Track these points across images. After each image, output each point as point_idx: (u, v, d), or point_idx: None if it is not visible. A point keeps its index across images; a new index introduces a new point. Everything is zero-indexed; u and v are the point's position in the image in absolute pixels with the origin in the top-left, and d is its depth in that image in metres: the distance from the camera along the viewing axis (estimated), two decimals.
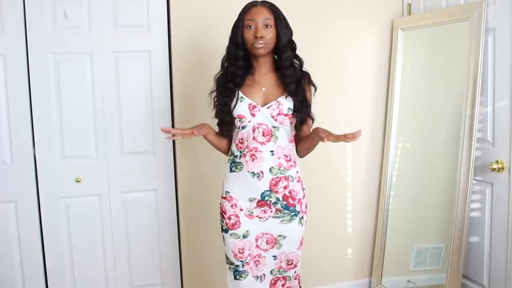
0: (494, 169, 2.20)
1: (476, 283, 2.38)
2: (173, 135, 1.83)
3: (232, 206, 1.86)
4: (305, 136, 1.89)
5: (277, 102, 1.80)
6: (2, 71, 2.20)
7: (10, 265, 2.30)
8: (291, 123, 1.84)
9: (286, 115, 1.80)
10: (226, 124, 1.87)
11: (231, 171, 1.88)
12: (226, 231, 1.87)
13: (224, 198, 1.89)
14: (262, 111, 1.80)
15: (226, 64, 1.87)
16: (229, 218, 1.86)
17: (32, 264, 2.33)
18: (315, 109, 1.92)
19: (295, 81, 1.81)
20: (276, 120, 1.80)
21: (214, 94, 1.90)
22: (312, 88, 1.89)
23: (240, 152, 1.84)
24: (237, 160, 1.85)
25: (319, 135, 1.70)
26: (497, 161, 2.20)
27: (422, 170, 2.62)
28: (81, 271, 2.40)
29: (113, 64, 2.34)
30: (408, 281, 2.65)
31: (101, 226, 2.41)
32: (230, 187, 1.88)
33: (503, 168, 2.18)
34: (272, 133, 1.80)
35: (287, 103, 1.81)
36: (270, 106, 1.80)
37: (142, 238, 2.48)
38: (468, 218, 2.28)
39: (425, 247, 2.57)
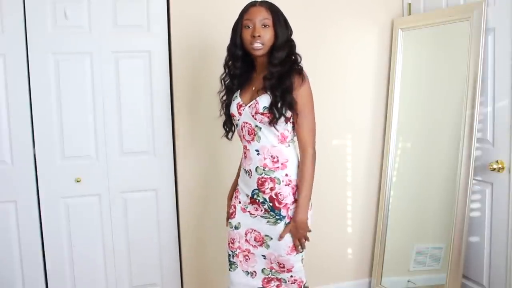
0: (494, 169, 2.20)
1: (476, 283, 2.38)
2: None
3: (235, 197, 1.95)
4: (300, 144, 1.82)
5: (255, 101, 1.78)
6: (2, 71, 2.20)
7: (10, 265, 2.30)
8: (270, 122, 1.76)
9: (262, 114, 1.75)
10: (227, 123, 1.94)
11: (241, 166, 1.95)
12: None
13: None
14: (245, 110, 1.81)
15: (229, 64, 1.88)
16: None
17: (32, 264, 2.33)
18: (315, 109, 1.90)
19: (277, 77, 1.74)
20: (256, 119, 1.78)
21: (221, 94, 1.94)
22: (302, 79, 1.77)
23: (243, 148, 1.90)
24: (242, 156, 1.91)
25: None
26: (497, 161, 2.20)
27: (422, 170, 2.62)
28: (81, 271, 2.40)
29: (113, 64, 2.34)
30: (408, 281, 2.64)
31: (101, 226, 2.41)
32: (239, 180, 1.96)
33: (503, 168, 2.18)
34: (255, 133, 1.80)
35: (263, 102, 1.75)
36: (251, 105, 1.79)
37: (142, 238, 2.47)
38: (468, 218, 2.28)
39: (425, 247, 2.57)
